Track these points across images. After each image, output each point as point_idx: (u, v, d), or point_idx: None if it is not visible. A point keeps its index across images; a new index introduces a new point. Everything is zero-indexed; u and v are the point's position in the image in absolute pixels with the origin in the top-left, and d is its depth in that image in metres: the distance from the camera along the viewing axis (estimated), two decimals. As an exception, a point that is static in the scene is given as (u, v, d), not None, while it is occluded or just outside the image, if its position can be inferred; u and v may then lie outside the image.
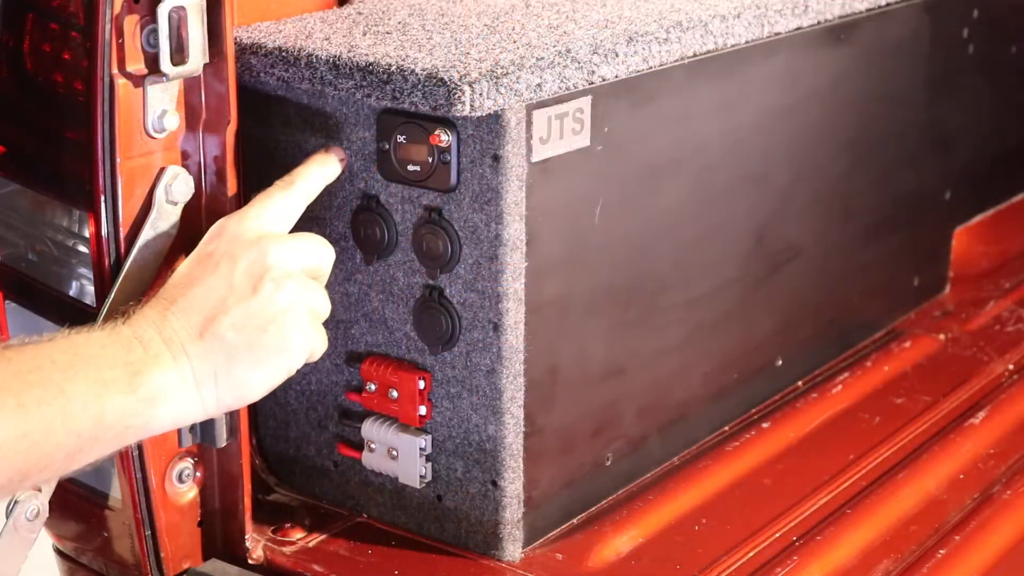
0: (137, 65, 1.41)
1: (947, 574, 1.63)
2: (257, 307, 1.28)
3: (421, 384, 1.58)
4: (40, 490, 1.46)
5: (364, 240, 1.59)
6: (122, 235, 1.44)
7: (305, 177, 1.44)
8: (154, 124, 1.44)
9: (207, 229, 1.53)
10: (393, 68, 1.46)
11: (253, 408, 1.73)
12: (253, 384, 1.29)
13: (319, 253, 1.36)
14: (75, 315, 1.51)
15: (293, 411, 1.72)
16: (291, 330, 1.30)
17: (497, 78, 1.43)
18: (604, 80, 1.56)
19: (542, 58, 1.48)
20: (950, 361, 2.16)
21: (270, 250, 1.30)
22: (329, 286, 1.63)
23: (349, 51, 1.51)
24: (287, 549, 1.62)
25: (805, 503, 1.75)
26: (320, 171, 1.46)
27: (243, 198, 1.65)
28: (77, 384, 1.15)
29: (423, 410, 1.59)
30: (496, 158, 1.48)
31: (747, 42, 1.76)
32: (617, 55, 1.56)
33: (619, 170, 1.64)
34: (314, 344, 1.35)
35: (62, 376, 1.15)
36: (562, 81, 1.50)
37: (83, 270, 1.54)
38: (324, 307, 1.34)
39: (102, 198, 1.43)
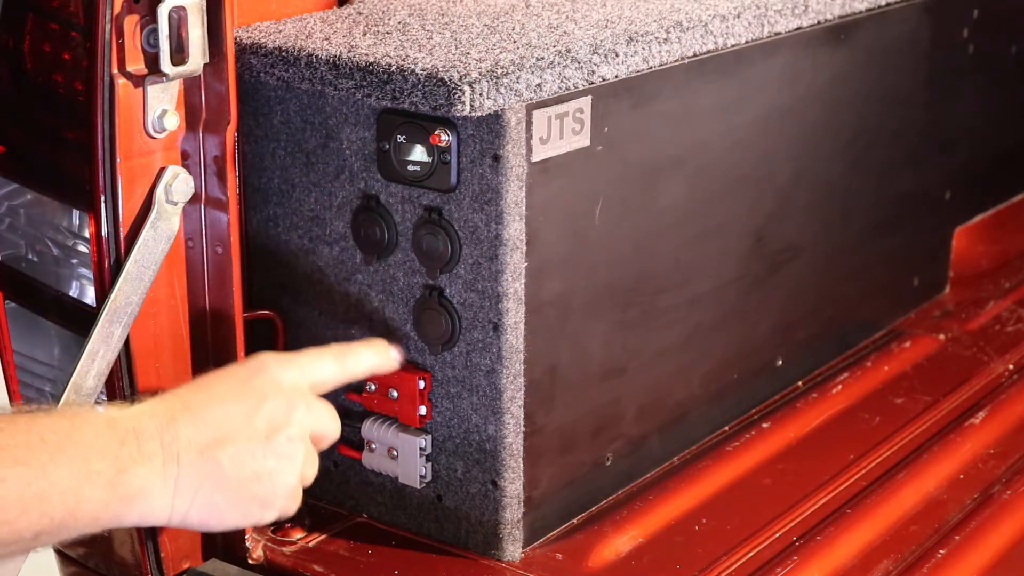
0: (137, 65, 1.41)
1: (947, 574, 1.62)
2: (262, 453, 1.28)
3: (421, 384, 1.58)
4: None
5: (364, 240, 1.59)
6: (122, 235, 1.44)
7: (358, 359, 1.41)
8: (154, 124, 1.44)
9: (207, 229, 1.54)
10: (393, 68, 1.46)
11: (253, 408, 1.72)
12: (224, 518, 1.29)
13: (331, 426, 1.36)
14: (75, 315, 1.52)
15: (293, 411, 1.72)
16: (279, 488, 1.31)
17: (497, 78, 1.43)
18: (604, 80, 1.56)
19: (542, 58, 1.48)
20: (950, 361, 2.16)
21: (297, 408, 1.30)
22: (329, 286, 1.64)
23: (349, 51, 1.51)
24: (287, 549, 1.62)
25: (805, 503, 1.75)
26: (374, 360, 1.42)
27: (243, 198, 1.66)
28: (61, 469, 1.14)
29: (423, 410, 1.59)
30: (496, 158, 1.48)
31: (747, 42, 1.76)
32: (617, 55, 1.56)
33: (619, 170, 1.64)
34: (290, 508, 1.35)
35: (48, 458, 1.13)
36: (562, 81, 1.50)
37: (83, 270, 1.54)
38: (312, 475, 1.35)
39: (102, 198, 1.43)
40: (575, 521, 1.70)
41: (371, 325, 1.62)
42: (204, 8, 1.43)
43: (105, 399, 1.50)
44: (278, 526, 1.66)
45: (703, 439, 1.89)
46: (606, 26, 1.61)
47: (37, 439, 1.14)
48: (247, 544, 1.61)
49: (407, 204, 1.55)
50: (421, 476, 1.61)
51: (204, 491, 1.24)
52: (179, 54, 1.41)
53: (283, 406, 1.29)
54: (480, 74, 1.42)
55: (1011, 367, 2.14)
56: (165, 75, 1.42)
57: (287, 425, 1.29)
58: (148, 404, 1.24)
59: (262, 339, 1.68)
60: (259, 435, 1.27)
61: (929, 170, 2.27)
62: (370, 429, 1.62)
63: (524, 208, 1.51)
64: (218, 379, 1.30)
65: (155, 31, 1.40)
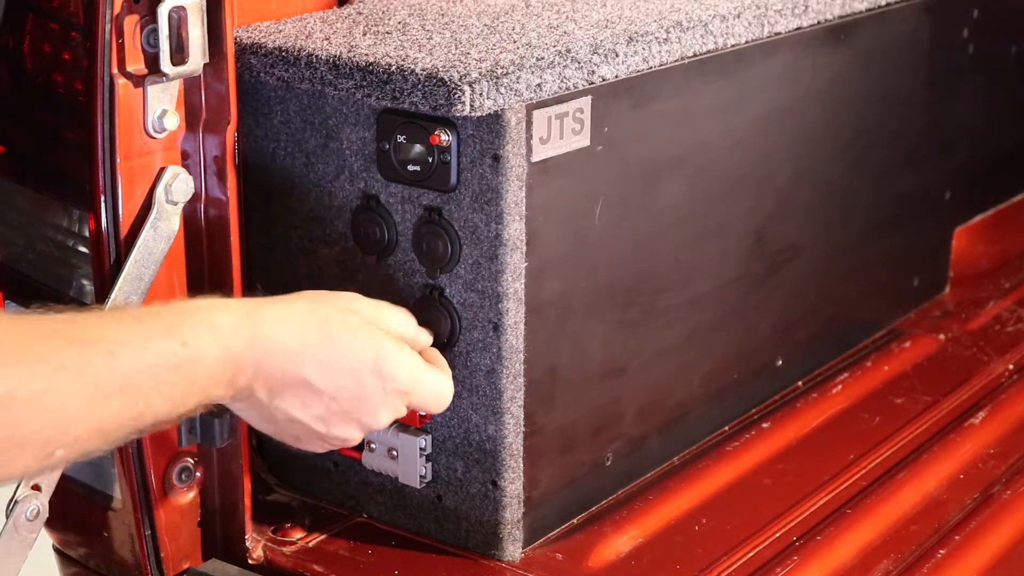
0: (137, 65, 1.42)
1: (947, 574, 1.62)
2: (313, 433, 1.36)
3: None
4: (40, 490, 1.46)
5: (364, 240, 1.59)
6: (122, 235, 1.45)
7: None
8: (154, 124, 1.44)
9: (207, 229, 1.54)
10: (393, 68, 1.46)
11: (253, 408, 1.73)
12: (259, 427, 1.39)
13: (431, 404, 1.45)
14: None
15: (293, 411, 1.72)
16: (312, 445, 1.40)
17: (497, 78, 1.43)
18: (604, 80, 1.56)
19: (542, 58, 1.48)
20: (950, 361, 2.16)
21: (379, 417, 1.38)
22: (329, 286, 1.64)
23: (349, 51, 1.51)
24: (287, 549, 1.62)
25: (805, 503, 1.75)
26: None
27: (243, 198, 1.66)
28: (161, 400, 1.20)
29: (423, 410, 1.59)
30: (496, 158, 1.48)
31: (747, 42, 1.76)
32: (617, 55, 1.56)
33: (619, 170, 1.64)
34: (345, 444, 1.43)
35: (153, 389, 1.19)
36: (562, 81, 1.50)
37: (83, 270, 1.54)
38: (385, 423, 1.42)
39: (102, 198, 1.43)
40: (575, 521, 1.70)
41: (371, 325, 1.62)
42: (204, 8, 1.43)
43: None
44: (278, 526, 1.66)
45: (703, 439, 1.89)
46: (606, 26, 1.61)
47: (146, 367, 1.19)
48: (247, 544, 1.61)
49: (407, 204, 1.55)
50: (421, 476, 1.61)
51: (253, 414, 1.34)
52: (179, 54, 1.41)
53: (363, 421, 1.38)
54: (480, 74, 1.42)
55: (1011, 367, 2.14)
56: (165, 75, 1.42)
57: (353, 432, 1.38)
58: (276, 321, 1.29)
59: (262, 339, 1.68)
60: (324, 424, 1.35)
61: (929, 170, 2.27)
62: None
63: (524, 208, 1.51)
64: (340, 346, 1.34)
65: (155, 31, 1.40)
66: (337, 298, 1.39)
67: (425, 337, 1.49)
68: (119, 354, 1.16)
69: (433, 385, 1.42)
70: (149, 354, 1.18)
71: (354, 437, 1.38)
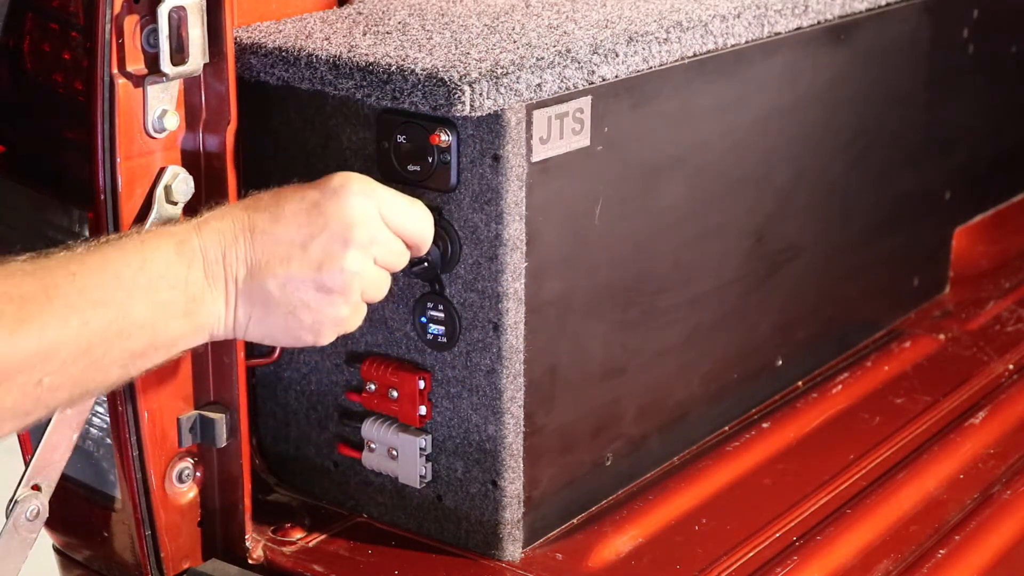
0: (137, 65, 1.41)
1: (947, 574, 1.62)
2: (311, 283, 1.29)
3: (421, 384, 1.58)
4: (40, 489, 1.46)
5: (364, 240, 1.59)
6: (122, 235, 1.44)
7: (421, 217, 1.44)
8: (154, 124, 1.44)
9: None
10: (393, 68, 1.46)
11: (253, 408, 1.73)
12: (276, 337, 1.33)
13: (400, 256, 1.38)
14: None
15: (293, 411, 1.72)
16: (327, 319, 1.33)
17: (497, 78, 1.43)
18: (604, 80, 1.56)
19: (542, 58, 1.48)
20: (950, 361, 2.16)
21: (358, 238, 1.30)
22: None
23: (349, 51, 1.51)
24: (287, 549, 1.62)
25: (805, 503, 1.75)
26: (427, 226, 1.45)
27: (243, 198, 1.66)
28: (138, 305, 1.19)
29: (423, 410, 1.59)
30: (496, 158, 1.48)
31: (747, 42, 1.76)
32: (617, 55, 1.56)
33: (619, 170, 1.64)
34: (346, 330, 1.37)
35: (125, 295, 1.18)
36: (562, 81, 1.50)
37: (83, 270, 1.53)
38: (377, 297, 1.36)
39: (102, 198, 1.43)
40: (575, 521, 1.70)
41: (371, 325, 1.62)
42: (204, 8, 1.43)
43: (105, 399, 1.50)
44: (278, 526, 1.66)
45: (703, 439, 1.89)
46: (606, 26, 1.61)
47: (112, 276, 1.19)
48: (247, 544, 1.61)
49: (407, 204, 1.55)
50: (421, 476, 1.61)
51: (256, 313, 1.29)
52: (179, 54, 1.41)
53: (343, 235, 1.29)
54: (480, 74, 1.42)
55: (1011, 367, 2.14)
56: (165, 75, 1.42)
57: (342, 257, 1.29)
58: (218, 220, 1.27)
59: (262, 339, 1.68)
60: (311, 264, 1.28)
61: (929, 170, 2.27)
62: (370, 429, 1.62)
63: (524, 208, 1.51)
64: (293, 196, 1.31)
65: (155, 31, 1.40)
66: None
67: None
68: (80, 273, 1.16)
69: (401, 198, 1.36)
70: (110, 266, 1.18)
71: (354, 277, 1.30)
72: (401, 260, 1.38)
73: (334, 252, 1.29)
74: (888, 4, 2.01)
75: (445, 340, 1.56)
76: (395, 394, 1.60)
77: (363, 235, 1.31)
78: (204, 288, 1.24)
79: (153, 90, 1.43)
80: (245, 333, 1.30)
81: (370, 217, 1.33)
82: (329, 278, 1.29)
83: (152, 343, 1.20)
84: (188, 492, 1.58)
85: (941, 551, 1.66)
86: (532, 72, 1.46)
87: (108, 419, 1.52)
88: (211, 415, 1.55)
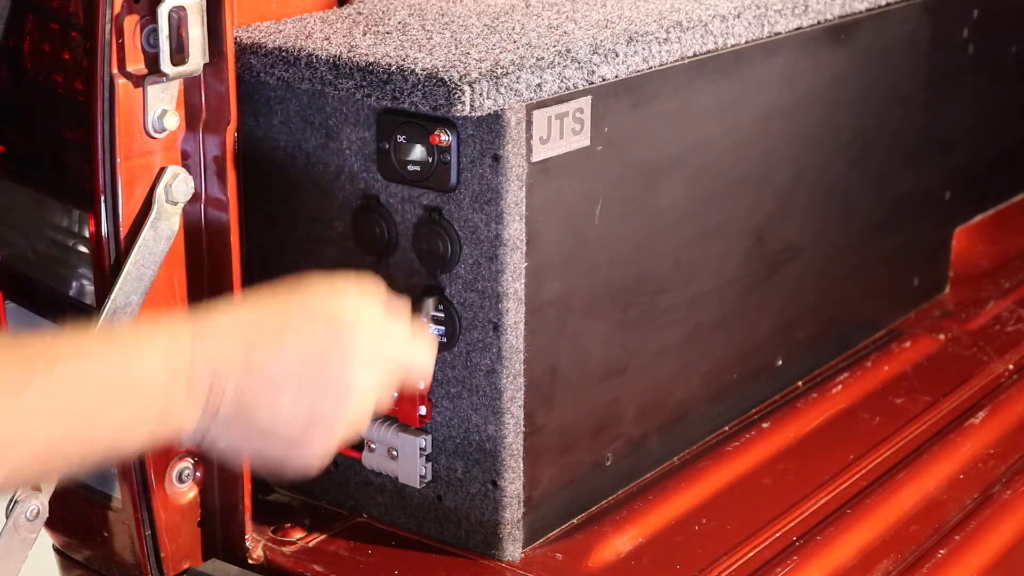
0: (137, 65, 1.41)
1: (947, 574, 1.62)
2: (300, 422, 1.24)
3: (421, 384, 1.58)
4: (40, 490, 1.46)
5: (364, 240, 1.59)
6: (122, 235, 1.44)
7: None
8: (154, 124, 1.44)
9: (207, 229, 1.53)
10: (393, 68, 1.46)
11: (253, 408, 1.72)
12: (246, 458, 1.32)
13: (390, 395, 1.31)
14: (75, 315, 1.52)
15: (293, 411, 1.72)
16: (304, 458, 1.27)
17: (497, 78, 1.43)
18: (604, 80, 1.56)
19: (542, 58, 1.48)
20: (950, 361, 2.16)
21: (356, 389, 1.24)
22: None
23: (349, 51, 1.51)
24: (287, 549, 1.62)
25: (805, 503, 1.75)
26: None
27: (243, 198, 1.66)
28: (110, 413, 1.14)
29: (423, 410, 1.59)
30: (496, 158, 1.48)
31: (747, 42, 1.76)
32: (617, 55, 1.56)
33: (619, 170, 1.64)
34: (318, 465, 1.32)
35: (99, 400, 1.13)
36: (562, 81, 1.50)
37: (83, 270, 1.54)
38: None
39: (102, 198, 1.43)
40: (575, 521, 1.70)
41: (371, 325, 1.62)
42: (204, 8, 1.43)
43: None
44: (278, 526, 1.66)
45: (703, 439, 1.89)
46: (606, 26, 1.61)
47: (91, 377, 1.14)
48: (247, 544, 1.61)
49: (407, 204, 1.55)
50: (421, 476, 1.61)
51: (232, 434, 1.23)
52: (179, 54, 1.41)
53: (341, 385, 1.23)
54: (480, 74, 1.42)
55: (1011, 367, 2.14)
56: (165, 75, 1.42)
57: (337, 405, 1.25)
58: (216, 332, 1.21)
59: (262, 339, 1.68)
60: (305, 403, 1.22)
61: (929, 170, 2.27)
62: (370, 429, 1.62)
63: (524, 208, 1.51)
64: (299, 327, 1.23)
65: (155, 31, 1.40)
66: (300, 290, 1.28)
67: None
68: (59, 369, 1.11)
69: (407, 335, 1.28)
70: (90, 364, 1.13)
71: (342, 424, 1.25)
72: (389, 399, 1.35)
73: (330, 398, 1.26)
74: (888, 4, 2.01)
75: (445, 340, 1.56)
76: (395, 394, 1.59)
77: (361, 385, 1.28)
78: (184, 402, 1.18)
79: (153, 90, 1.43)
80: (212, 447, 1.27)
81: (371, 368, 1.26)
82: (320, 423, 1.26)
83: (117, 447, 1.15)
84: (188, 492, 1.58)
85: (941, 551, 1.66)
86: (532, 72, 1.46)
87: (108, 419, 1.52)
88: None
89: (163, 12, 1.39)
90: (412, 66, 1.45)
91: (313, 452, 1.27)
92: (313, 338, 1.25)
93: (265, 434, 1.24)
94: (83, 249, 1.52)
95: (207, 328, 1.22)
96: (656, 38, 1.60)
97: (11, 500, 1.45)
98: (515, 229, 1.51)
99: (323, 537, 1.65)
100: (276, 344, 1.23)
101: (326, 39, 1.56)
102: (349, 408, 1.25)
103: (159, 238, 1.47)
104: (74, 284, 1.55)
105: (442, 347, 1.57)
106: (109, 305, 1.43)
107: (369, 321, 1.26)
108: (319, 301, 1.26)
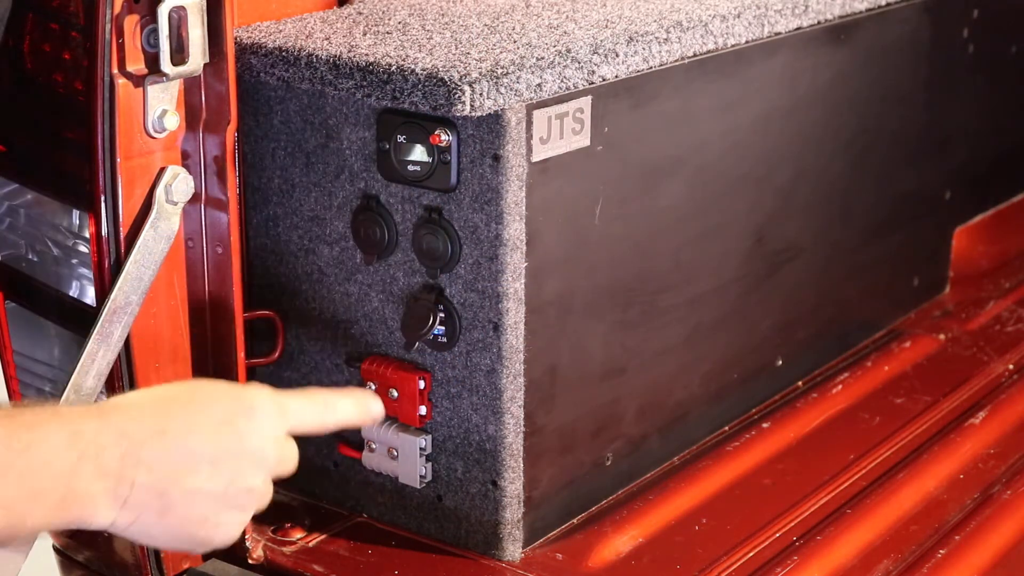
0: (137, 65, 1.41)
1: (947, 574, 1.62)
2: (216, 502, 1.22)
3: (421, 384, 1.58)
4: None
5: (364, 240, 1.59)
6: (122, 235, 1.44)
7: (342, 412, 1.33)
8: (154, 124, 1.44)
9: (207, 229, 1.53)
10: (393, 68, 1.46)
11: (253, 408, 1.72)
12: (157, 542, 1.26)
13: (291, 468, 1.30)
14: (75, 315, 1.52)
15: (293, 411, 1.72)
16: (220, 534, 1.25)
17: (497, 78, 1.43)
18: (604, 80, 1.56)
19: (542, 58, 1.48)
20: (950, 361, 2.16)
21: (268, 461, 1.25)
22: (329, 286, 1.64)
23: (349, 51, 1.51)
24: (287, 549, 1.62)
25: (805, 503, 1.75)
26: (356, 414, 1.34)
27: (243, 198, 1.66)
28: (8, 490, 1.11)
29: (423, 410, 1.59)
30: (496, 158, 1.48)
31: (747, 42, 1.76)
32: (617, 55, 1.56)
33: (619, 170, 1.64)
34: (228, 542, 1.31)
35: (10, 479, 1.10)
36: (562, 81, 1.50)
37: (83, 270, 1.54)
38: (262, 507, 1.31)
39: (102, 198, 1.43)
40: (575, 521, 1.70)
41: (371, 325, 1.62)
42: (204, 8, 1.43)
43: (105, 397, 1.50)
44: (278, 526, 1.66)
45: (703, 439, 1.89)
46: (606, 26, 1.61)
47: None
48: (247, 544, 1.61)
49: (407, 204, 1.55)
50: (421, 476, 1.61)
51: (147, 517, 1.21)
52: (179, 54, 1.41)
53: (255, 457, 1.25)
54: (480, 74, 1.42)
55: (1011, 367, 2.14)
56: (165, 75, 1.42)
57: (252, 478, 1.26)
58: (123, 416, 1.19)
59: (262, 339, 1.68)
60: (222, 483, 1.23)
61: (929, 170, 2.27)
62: (370, 429, 1.62)
63: (524, 208, 1.51)
64: (204, 403, 1.25)
65: (155, 31, 1.40)
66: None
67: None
68: None
69: (310, 406, 1.29)
70: None
71: (256, 486, 1.26)
72: (293, 467, 1.34)
73: (244, 472, 1.25)
74: (888, 4, 2.01)
75: (445, 340, 1.56)
76: (395, 394, 1.60)
77: (272, 456, 1.28)
78: (91, 483, 1.15)
79: (153, 90, 1.43)
80: (123, 532, 1.21)
81: (280, 438, 1.28)
82: (236, 497, 1.24)
83: (13, 527, 1.12)
84: (188, 492, 1.58)
85: (941, 551, 1.66)
86: (532, 72, 1.46)
87: (108, 419, 1.52)
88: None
89: (163, 12, 1.39)
90: (412, 66, 1.45)
91: (227, 528, 1.26)
92: (222, 413, 1.25)
93: (180, 514, 1.22)
94: (83, 249, 1.52)
95: (114, 408, 1.20)
96: (656, 38, 1.60)
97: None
98: (515, 229, 1.51)
99: (323, 537, 1.65)
100: (187, 420, 1.22)
101: (326, 39, 1.56)
102: (263, 479, 1.26)
103: (159, 238, 1.47)
104: (74, 284, 1.55)
105: (442, 347, 1.57)
106: (109, 305, 1.43)
107: (273, 400, 1.27)
108: (217, 385, 1.27)
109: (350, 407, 1.32)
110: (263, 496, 1.27)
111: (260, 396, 1.27)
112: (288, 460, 1.28)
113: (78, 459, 1.15)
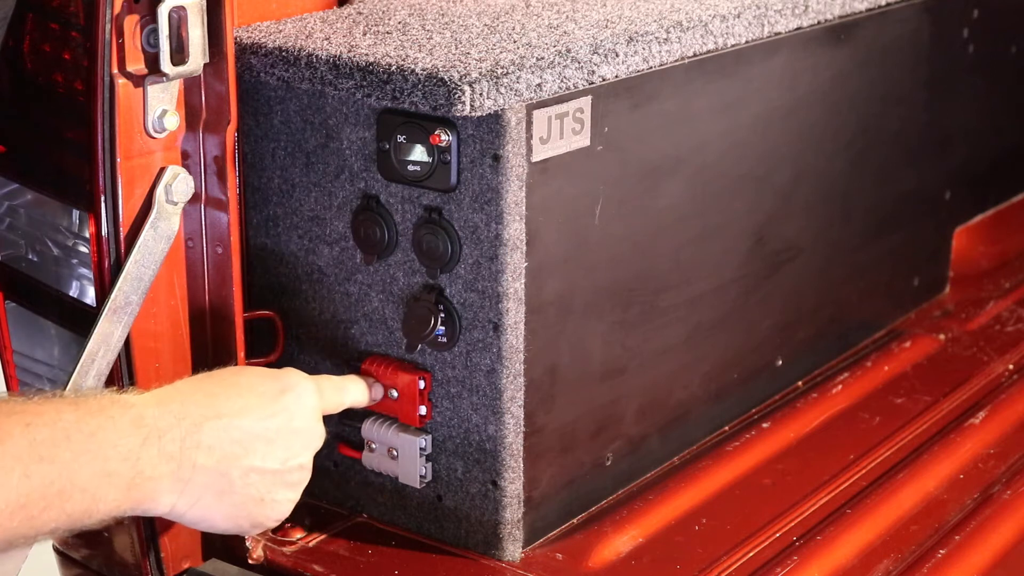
0: (137, 65, 1.42)
1: (947, 574, 1.62)
2: (272, 479, 1.30)
3: (421, 384, 1.58)
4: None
5: (364, 240, 1.59)
6: (122, 235, 1.44)
7: (357, 394, 1.51)
8: (154, 124, 1.44)
9: (207, 229, 1.53)
10: (393, 68, 1.46)
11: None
12: (215, 524, 1.31)
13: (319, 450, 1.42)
14: (75, 315, 1.52)
15: (293, 411, 1.72)
16: (276, 513, 1.34)
17: (497, 78, 1.43)
18: (604, 80, 1.56)
19: (542, 58, 1.48)
20: (950, 361, 2.16)
21: (315, 438, 1.34)
22: (329, 286, 1.64)
23: (349, 51, 1.51)
24: (287, 549, 1.62)
25: (805, 503, 1.75)
26: (365, 396, 1.52)
27: (243, 198, 1.66)
28: (83, 469, 1.15)
29: (423, 410, 1.59)
30: (496, 158, 1.48)
31: (747, 42, 1.76)
32: (617, 55, 1.56)
33: (619, 170, 1.64)
34: (277, 522, 1.39)
35: (72, 457, 1.15)
36: (562, 81, 1.50)
37: (83, 270, 1.54)
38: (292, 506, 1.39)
39: (102, 198, 1.43)
40: (575, 521, 1.70)
41: (371, 325, 1.62)
42: (204, 8, 1.43)
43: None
44: (278, 526, 1.66)
45: (703, 439, 1.89)
46: (606, 26, 1.61)
47: (63, 435, 1.15)
48: (247, 544, 1.61)
49: (407, 204, 1.55)
50: (421, 476, 1.61)
51: (207, 499, 1.25)
52: (179, 54, 1.41)
53: (305, 435, 1.31)
54: (480, 74, 1.42)
55: (1011, 367, 2.14)
56: (165, 75, 1.42)
57: (303, 455, 1.30)
58: (179, 402, 1.24)
59: (262, 339, 1.68)
60: (277, 461, 1.29)
61: (929, 170, 2.27)
62: (370, 429, 1.62)
63: (524, 208, 1.51)
64: (252, 386, 1.30)
65: (155, 31, 1.40)
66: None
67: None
68: (35, 424, 1.12)
69: (340, 387, 1.44)
70: (62, 423, 1.14)
71: (306, 462, 1.34)
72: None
73: (296, 450, 1.31)
74: (888, 4, 2.01)
75: (445, 340, 1.56)
76: (395, 394, 1.60)
77: (317, 435, 1.34)
78: (155, 467, 1.20)
79: (153, 90, 1.43)
80: (183, 515, 1.27)
81: (319, 418, 1.37)
82: (290, 475, 1.32)
83: (89, 510, 1.16)
84: (188, 492, 1.58)
85: (941, 551, 1.66)
86: (532, 72, 1.46)
87: (108, 419, 1.52)
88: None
89: (163, 12, 1.39)
90: (412, 66, 1.45)
91: (280, 506, 1.30)
92: (271, 394, 1.29)
93: (239, 493, 1.25)
94: (83, 249, 1.52)
95: (171, 394, 1.23)
96: (656, 38, 1.61)
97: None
98: (515, 229, 1.51)
99: (323, 537, 1.65)
100: (240, 402, 1.26)
101: (326, 39, 1.56)
102: (310, 456, 1.30)
103: (159, 238, 1.47)
104: (74, 284, 1.55)
105: (442, 347, 1.57)
106: (109, 305, 1.43)
107: (310, 379, 1.36)
108: (259, 369, 1.36)
109: (359, 391, 1.51)
110: (309, 473, 1.32)
111: (301, 377, 1.37)
112: (322, 439, 1.36)
113: (143, 443, 1.19)
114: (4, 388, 1.63)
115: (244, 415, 1.28)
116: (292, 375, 1.36)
